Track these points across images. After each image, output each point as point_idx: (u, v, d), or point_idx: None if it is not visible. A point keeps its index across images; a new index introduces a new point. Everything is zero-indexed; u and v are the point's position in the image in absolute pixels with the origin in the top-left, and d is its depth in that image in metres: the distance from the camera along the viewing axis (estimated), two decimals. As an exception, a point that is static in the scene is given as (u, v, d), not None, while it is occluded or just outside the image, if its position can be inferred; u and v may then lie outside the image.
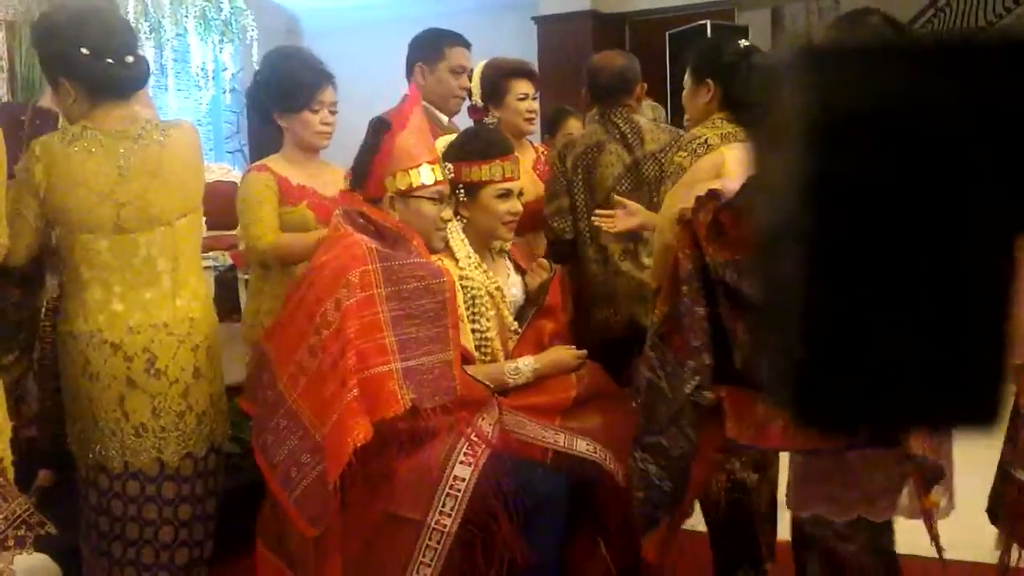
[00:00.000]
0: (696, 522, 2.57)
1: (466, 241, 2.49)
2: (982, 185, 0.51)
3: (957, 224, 0.51)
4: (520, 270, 2.67)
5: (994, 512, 2.03)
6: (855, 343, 0.53)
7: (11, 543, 2.01)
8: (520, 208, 2.54)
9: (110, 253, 2.23)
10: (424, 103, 3.19)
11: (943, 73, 0.51)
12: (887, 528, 1.96)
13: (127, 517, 2.29)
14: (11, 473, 2.11)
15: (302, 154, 2.77)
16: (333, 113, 2.76)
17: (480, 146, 2.50)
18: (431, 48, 3.28)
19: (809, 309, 0.52)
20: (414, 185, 2.33)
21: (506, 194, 2.48)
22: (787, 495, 2.02)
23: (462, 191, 2.48)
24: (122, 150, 2.24)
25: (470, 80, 3.39)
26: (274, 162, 2.78)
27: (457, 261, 2.44)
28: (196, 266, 2.38)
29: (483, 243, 2.54)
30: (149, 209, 2.26)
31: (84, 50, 2.22)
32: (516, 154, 2.59)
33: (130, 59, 2.26)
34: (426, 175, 2.34)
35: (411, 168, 2.33)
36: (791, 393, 0.55)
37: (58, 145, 2.22)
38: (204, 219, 5.23)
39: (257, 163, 2.82)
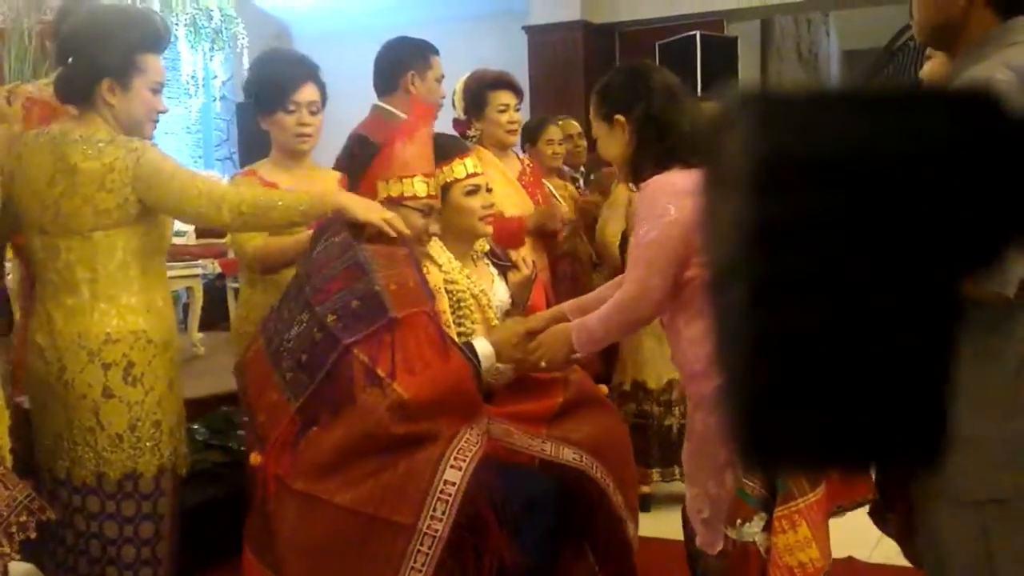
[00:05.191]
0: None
1: (445, 247, 2.49)
2: (926, 230, 0.52)
3: (901, 267, 0.52)
4: (504, 272, 2.65)
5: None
6: (800, 385, 0.54)
7: (14, 530, 2.01)
8: (492, 200, 2.53)
9: (42, 252, 2.28)
10: (398, 113, 3.13)
11: (889, 120, 0.52)
12: None
13: (90, 533, 2.26)
14: (9, 461, 2.11)
15: (288, 158, 2.73)
16: (313, 114, 2.68)
17: (437, 151, 2.47)
18: (420, 57, 3.23)
19: (755, 350, 0.53)
20: (405, 194, 2.34)
21: (475, 190, 2.48)
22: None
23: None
24: (58, 155, 2.23)
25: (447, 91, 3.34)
26: (263, 167, 2.75)
27: (440, 266, 2.44)
28: (126, 284, 2.27)
29: (464, 248, 2.53)
30: (62, 217, 2.23)
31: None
32: (475, 154, 2.60)
33: (59, 68, 2.33)
34: (419, 187, 2.34)
35: (405, 177, 2.34)
36: (739, 436, 0.56)
37: (22, 143, 2.30)
38: (194, 229, 5.08)
39: (245, 168, 2.78)
